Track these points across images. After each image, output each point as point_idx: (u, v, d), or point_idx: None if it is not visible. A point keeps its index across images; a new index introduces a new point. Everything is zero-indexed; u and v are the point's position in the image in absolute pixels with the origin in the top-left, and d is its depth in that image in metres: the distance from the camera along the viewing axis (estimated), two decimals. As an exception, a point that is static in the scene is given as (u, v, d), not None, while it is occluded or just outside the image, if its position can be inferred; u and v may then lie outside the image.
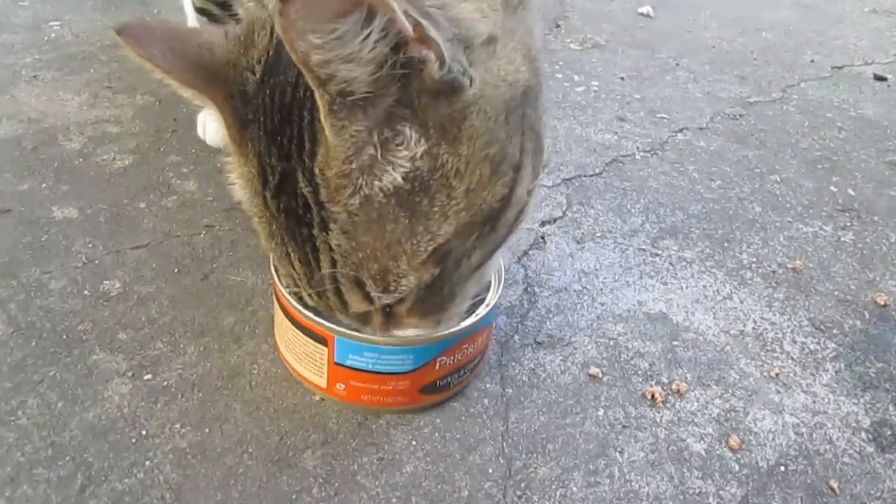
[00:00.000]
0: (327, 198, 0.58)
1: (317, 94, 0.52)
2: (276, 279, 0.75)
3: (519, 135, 0.62)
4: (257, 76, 0.60)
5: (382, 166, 0.56)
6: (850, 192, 1.25)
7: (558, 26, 1.79)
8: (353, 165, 0.56)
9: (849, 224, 1.17)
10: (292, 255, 0.63)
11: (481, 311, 0.75)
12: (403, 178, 0.57)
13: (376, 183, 0.57)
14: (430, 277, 0.62)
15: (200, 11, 1.06)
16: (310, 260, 0.62)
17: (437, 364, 0.73)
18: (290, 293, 0.73)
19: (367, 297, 0.62)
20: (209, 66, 0.60)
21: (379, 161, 0.56)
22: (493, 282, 0.79)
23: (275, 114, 0.59)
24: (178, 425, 0.73)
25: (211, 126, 1.13)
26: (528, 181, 0.64)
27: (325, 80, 0.50)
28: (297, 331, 0.73)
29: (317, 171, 0.57)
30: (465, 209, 0.60)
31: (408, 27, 0.50)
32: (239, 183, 0.66)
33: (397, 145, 0.56)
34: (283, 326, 0.76)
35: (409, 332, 0.69)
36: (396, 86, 0.53)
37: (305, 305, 0.71)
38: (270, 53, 0.60)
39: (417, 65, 0.52)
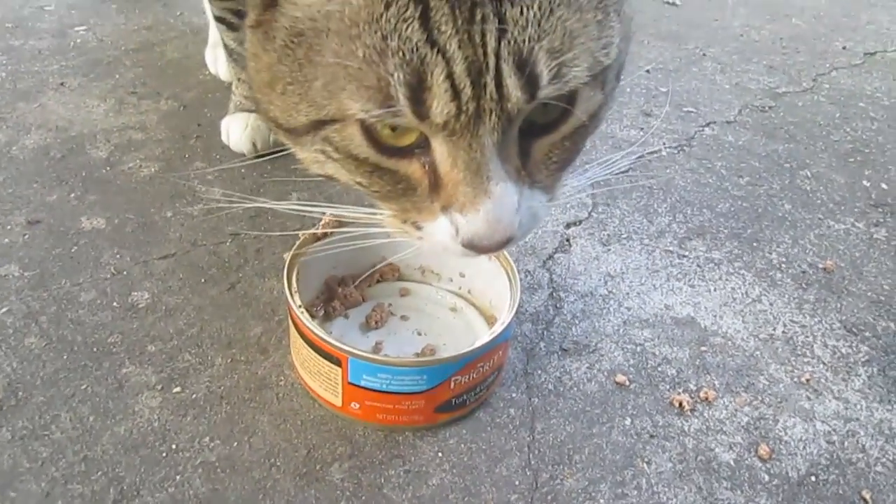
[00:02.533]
0: None
1: None
2: (290, 299, 0.75)
3: None
4: None
5: None
6: (884, 186, 1.23)
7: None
8: None
9: (882, 220, 1.14)
10: (447, 35, 0.50)
11: (496, 328, 0.75)
12: None
13: None
14: (594, 95, 0.57)
15: (219, 20, 1.07)
16: (472, 32, 0.50)
17: (452, 383, 0.73)
18: (303, 311, 0.74)
19: (529, 85, 0.52)
20: None
21: None
22: (508, 299, 0.79)
23: None
24: (206, 439, 0.74)
25: (235, 131, 1.13)
26: None
27: None
28: (312, 351, 0.73)
29: None
30: (619, 35, 0.57)
31: None
32: None
33: None
34: (297, 345, 0.76)
35: (498, 189, 0.55)
36: None
37: (320, 326, 0.72)
38: None
39: None
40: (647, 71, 1.55)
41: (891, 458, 0.78)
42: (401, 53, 0.50)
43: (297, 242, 0.82)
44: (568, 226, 1.07)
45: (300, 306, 0.74)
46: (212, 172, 1.11)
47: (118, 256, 0.94)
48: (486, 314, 0.87)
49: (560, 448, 0.76)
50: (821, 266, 1.03)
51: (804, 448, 0.78)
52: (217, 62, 1.33)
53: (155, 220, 1.01)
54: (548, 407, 0.80)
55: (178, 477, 0.70)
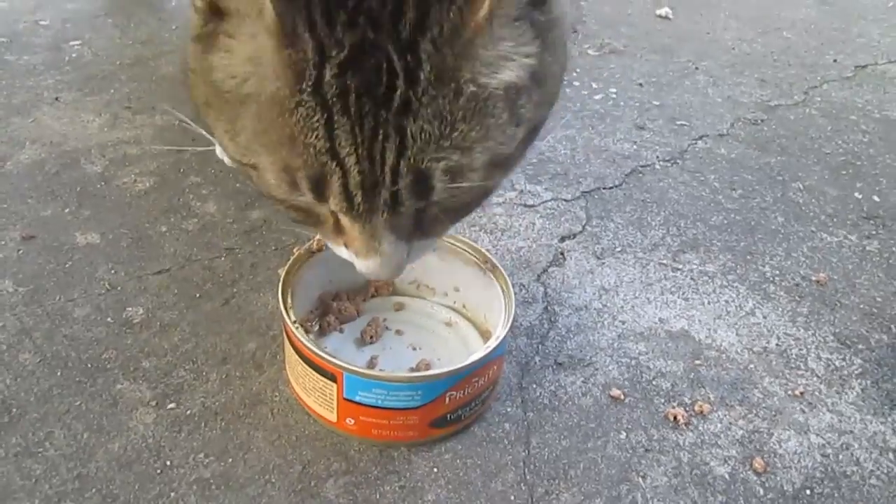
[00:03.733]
0: (430, 79, 0.51)
1: None
2: (284, 315, 0.75)
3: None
4: None
5: (509, 58, 0.54)
6: (876, 198, 1.24)
7: (575, 31, 1.78)
8: (484, 51, 0.52)
9: (874, 232, 1.15)
10: (346, 148, 0.53)
11: (491, 343, 0.75)
12: (518, 75, 0.55)
13: (496, 74, 0.54)
14: (490, 184, 0.60)
15: None
16: (372, 151, 0.53)
17: (447, 398, 0.73)
18: (297, 327, 0.74)
19: (424, 193, 0.56)
20: None
21: (508, 53, 0.54)
22: (503, 313, 0.79)
23: None
24: (201, 455, 0.74)
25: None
26: None
27: None
28: (307, 366, 0.73)
29: (426, 46, 0.51)
30: (531, 120, 0.59)
31: None
32: (258, 83, 0.54)
33: (521, 41, 0.55)
34: (292, 361, 0.76)
35: (387, 248, 0.60)
36: None
37: (313, 342, 0.73)
38: None
39: None
40: (641, 84, 1.56)
41: (885, 470, 0.78)
42: (305, 155, 0.53)
43: (292, 258, 0.82)
44: (562, 239, 1.07)
45: (295, 322, 0.74)
46: (206, 187, 1.11)
47: (112, 272, 0.94)
48: (481, 328, 0.87)
49: (555, 463, 0.76)
50: (814, 279, 1.04)
51: (799, 461, 0.79)
52: None
53: (150, 235, 1.01)
54: (543, 421, 0.80)
55: (172, 494, 0.70)
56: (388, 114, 0.52)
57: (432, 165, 0.54)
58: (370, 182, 0.54)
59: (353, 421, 0.74)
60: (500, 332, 0.76)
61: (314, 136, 0.53)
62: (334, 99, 0.51)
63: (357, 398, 0.72)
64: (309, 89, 0.51)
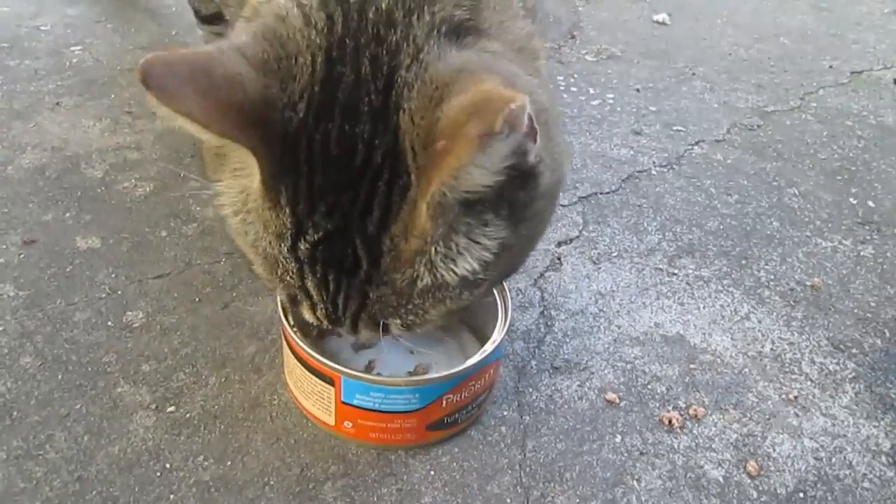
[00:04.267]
0: (390, 267, 0.58)
1: (428, 188, 0.52)
2: (283, 319, 0.76)
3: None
4: (300, 116, 0.55)
5: (464, 251, 0.58)
6: (870, 203, 1.24)
7: (573, 37, 1.79)
8: (434, 248, 0.56)
9: (868, 238, 1.16)
10: (314, 294, 0.61)
11: (488, 347, 0.76)
12: (478, 263, 0.58)
13: (451, 266, 0.58)
14: (450, 320, 0.66)
15: (207, 44, 1.08)
16: (336, 301, 0.61)
17: (444, 402, 0.74)
18: (296, 331, 0.74)
19: (383, 331, 0.63)
20: (242, 106, 0.53)
21: (461, 246, 0.57)
22: (499, 318, 0.80)
23: (330, 168, 0.56)
24: (200, 458, 0.74)
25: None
26: None
27: (451, 184, 0.51)
28: (305, 370, 0.74)
29: (387, 241, 0.57)
30: (502, 273, 0.65)
31: (534, 128, 0.50)
32: (248, 218, 0.61)
33: (480, 233, 0.58)
34: (291, 364, 0.77)
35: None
36: (500, 180, 0.53)
37: (312, 346, 0.74)
38: (317, 90, 0.56)
39: (523, 158, 0.53)
40: (637, 90, 1.57)
41: (878, 473, 0.79)
42: (283, 281, 0.62)
43: None
44: (559, 244, 1.08)
45: (293, 326, 0.75)
46: (206, 192, 1.11)
47: (113, 276, 0.95)
48: (478, 333, 0.88)
49: (551, 466, 0.77)
50: (808, 283, 1.05)
51: (792, 464, 0.79)
52: None
53: (150, 239, 1.02)
54: (539, 425, 0.81)
55: (172, 496, 0.71)
56: (353, 281, 0.59)
57: (389, 321, 0.62)
58: (335, 318, 0.63)
59: (350, 424, 0.75)
60: (496, 336, 0.77)
61: (289, 276, 0.61)
62: (306, 261, 0.59)
63: (355, 402, 0.72)
64: (285, 249, 0.59)
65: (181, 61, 0.52)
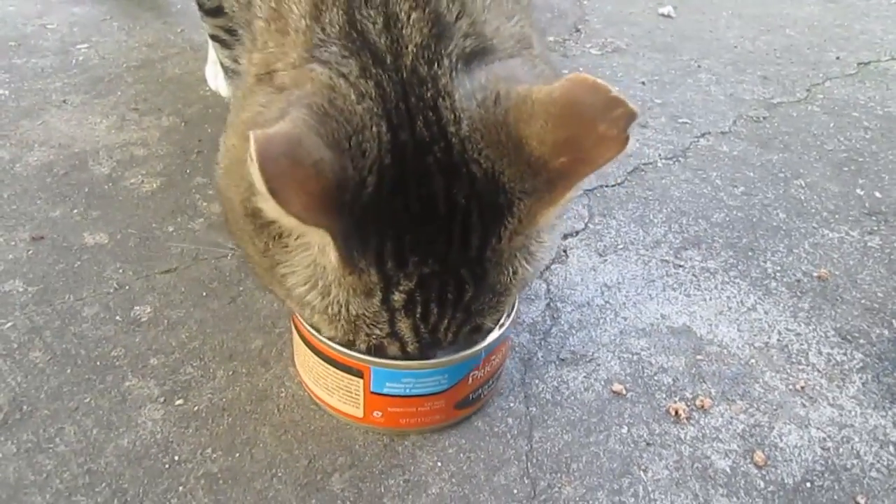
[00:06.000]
0: (494, 275, 0.62)
1: (559, 197, 0.58)
2: (298, 318, 0.76)
3: None
4: (372, 189, 0.56)
5: (544, 240, 0.66)
6: (878, 194, 1.24)
7: (578, 30, 1.79)
8: (533, 239, 0.63)
9: (876, 228, 1.15)
10: (408, 335, 0.65)
11: (504, 321, 0.76)
12: (548, 236, 0.66)
13: (540, 248, 0.66)
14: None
15: (213, 38, 1.08)
16: (438, 329, 0.65)
17: (470, 379, 0.75)
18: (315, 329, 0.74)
19: (476, 332, 0.68)
20: (325, 190, 0.53)
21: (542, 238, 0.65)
22: None
23: (414, 227, 0.58)
24: (209, 450, 0.75)
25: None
26: None
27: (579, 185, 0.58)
28: (329, 365, 0.73)
29: (489, 256, 0.61)
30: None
31: None
32: (327, 290, 0.61)
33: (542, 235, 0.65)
34: (310, 363, 0.76)
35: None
36: None
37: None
38: (387, 162, 0.57)
39: None
40: (643, 83, 1.56)
41: (885, 463, 0.79)
42: (367, 337, 0.65)
43: None
44: (565, 237, 1.08)
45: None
46: (213, 187, 1.12)
47: (121, 271, 0.95)
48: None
49: (558, 456, 0.77)
50: (815, 274, 1.05)
51: (799, 455, 0.79)
52: (217, 78, 1.35)
53: (157, 234, 1.02)
54: (545, 416, 0.81)
55: (180, 488, 0.71)
56: (458, 304, 0.62)
57: (485, 321, 0.67)
58: (427, 345, 0.66)
59: (380, 413, 0.75)
60: (508, 310, 0.78)
61: (377, 328, 0.63)
62: (399, 308, 0.61)
63: (385, 390, 0.73)
64: (376, 304, 0.61)
65: (283, 143, 0.51)
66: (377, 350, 0.67)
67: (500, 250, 0.61)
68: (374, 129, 0.56)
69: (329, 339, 0.68)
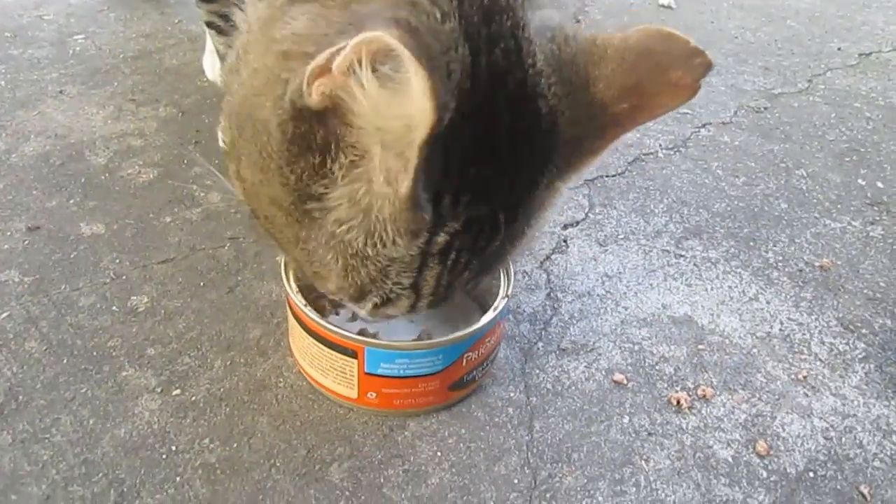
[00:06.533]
0: (521, 225, 0.61)
1: (609, 142, 0.58)
2: (293, 298, 0.75)
3: None
4: (451, 114, 0.50)
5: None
6: (879, 184, 1.23)
7: (578, 21, 1.77)
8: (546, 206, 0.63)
9: (878, 218, 1.15)
10: (428, 286, 0.61)
11: (499, 304, 0.76)
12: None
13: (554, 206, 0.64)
14: None
15: (208, 24, 1.07)
16: (452, 284, 0.62)
17: (465, 360, 0.75)
18: (310, 309, 0.74)
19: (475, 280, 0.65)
20: None
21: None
22: (503, 273, 0.80)
23: (477, 161, 0.55)
24: (206, 440, 0.74)
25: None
26: None
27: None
28: (323, 346, 0.73)
29: (526, 206, 0.60)
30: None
31: None
32: (374, 227, 0.55)
33: None
34: (305, 344, 0.76)
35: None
36: None
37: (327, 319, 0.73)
38: (467, 87, 0.52)
39: None
40: (643, 73, 1.55)
41: (888, 453, 0.78)
42: (386, 286, 0.60)
43: None
44: (565, 227, 1.07)
45: (306, 304, 0.75)
46: (210, 178, 1.11)
47: (117, 261, 0.95)
48: (479, 299, 0.86)
49: (559, 446, 0.76)
50: (817, 264, 1.04)
51: (802, 444, 0.79)
52: (215, 68, 1.34)
53: (154, 225, 1.01)
54: (546, 406, 0.81)
55: (178, 478, 0.70)
56: (482, 256, 0.60)
57: (495, 268, 0.65)
58: (436, 300, 0.63)
59: (374, 395, 0.75)
60: (505, 291, 0.78)
61: (403, 277, 0.59)
62: (435, 253, 0.58)
63: (379, 371, 0.73)
64: (416, 246, 0.56)
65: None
66: (384, 305, 0.62)
67: (537, 197, 0.60)
68: (460, 50, 0.52)
69: (337, 290, 0.62)
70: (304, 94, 0.50)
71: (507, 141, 0.55)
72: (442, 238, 0.56)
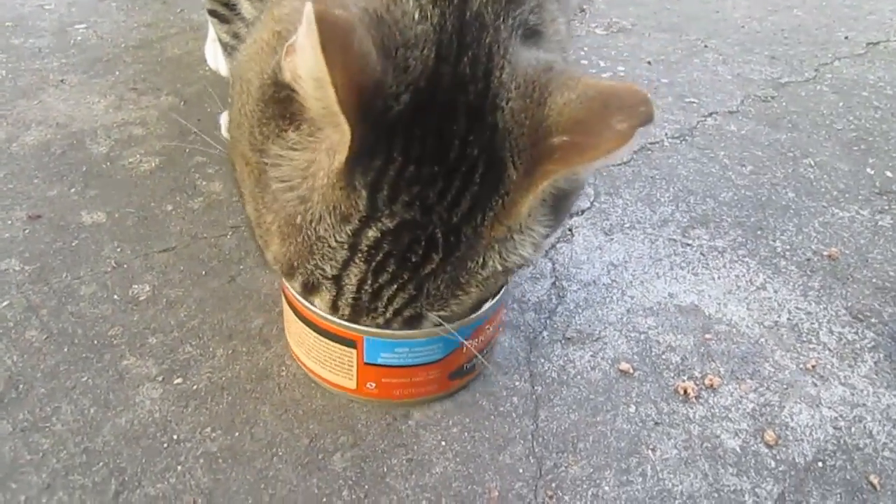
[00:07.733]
0: (463, 256, 0.60)
1: (541, 180, 0.56)
2: (291, 289, 0.74)
3: None
4: (402, 107, 0.55)
5: (528, 236, 0.62)
6: (888, 174, 1.22)
7: (583, 10, 1.76)
8: (515, 235, 0.60)
9: (886, 207, 1.13)
10: (350, 284, 0.61)
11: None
12: (532, 248, 0.62)
13: (519, 251, 0.62)
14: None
15: (211, 13, 1.06)
16: (381, 294, 0.61)
17: (465, 348, 0.74)
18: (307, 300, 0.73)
19: (414, 325, 0.65)
20: (364, 86, 0.52)
21: (528, 232, 0.61)
22: None
23: (423, 162, 0.56)
24: (208, 429, 0.73)
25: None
26: None
27: (568, 176, 0.58)
28: (321, 336, 0.72)
29: (468, 232, 0.59)
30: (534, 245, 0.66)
31: None
32: (308, 195, 0.58)
33: (543, 220, 0.62)
34: (302, 335, 0.75)
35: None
36: None
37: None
38: (423, 85, 0.55)
39: None
40: (649, 63, 1.54)
41: (898, 443, 0.77)
42: (310, 268, 0.60)
43: None
44: (571, 216, 1.06)
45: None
46: (212, 167, 1.10)
47: (118, 250, 0.94)
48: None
49: (564, 436, 0.76)
50: (825, 253, 1.03)
51: (811, 434, 0.78)
52: (217, 57, 1.33)
53: (155, 213, 1.00)
54: (551, 395, 0.80)
55: (179, 467, 0.70)
56: (414, 274, 0.59)
57: (433, 313, 0.63)
58: (360, 308, 0.63)
59: (374, 385, 0.74)
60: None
61: (327, 264, 0.59)
62: (363, 249, 0.58)
63: (379, 360, 0.72)
64: (345, 234, 0.57)
65: (341, 25, 0.50)
66: (307, 289, 0.63)
67: (479, 231, 0.59)
68: (425, 51, 0.56)
69: (274, 261, 0.63)
70: (283, 69, 0.55)
71: (459, 151, 0.57)
72: (371, 233, 0.57)
